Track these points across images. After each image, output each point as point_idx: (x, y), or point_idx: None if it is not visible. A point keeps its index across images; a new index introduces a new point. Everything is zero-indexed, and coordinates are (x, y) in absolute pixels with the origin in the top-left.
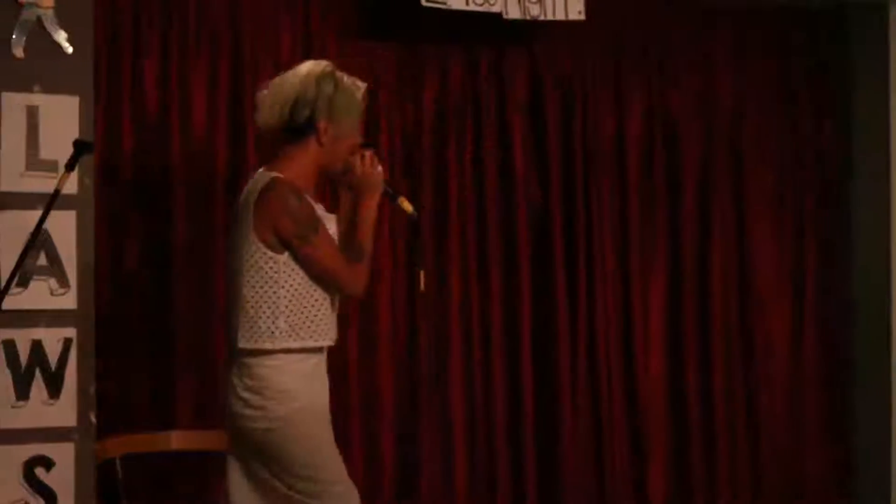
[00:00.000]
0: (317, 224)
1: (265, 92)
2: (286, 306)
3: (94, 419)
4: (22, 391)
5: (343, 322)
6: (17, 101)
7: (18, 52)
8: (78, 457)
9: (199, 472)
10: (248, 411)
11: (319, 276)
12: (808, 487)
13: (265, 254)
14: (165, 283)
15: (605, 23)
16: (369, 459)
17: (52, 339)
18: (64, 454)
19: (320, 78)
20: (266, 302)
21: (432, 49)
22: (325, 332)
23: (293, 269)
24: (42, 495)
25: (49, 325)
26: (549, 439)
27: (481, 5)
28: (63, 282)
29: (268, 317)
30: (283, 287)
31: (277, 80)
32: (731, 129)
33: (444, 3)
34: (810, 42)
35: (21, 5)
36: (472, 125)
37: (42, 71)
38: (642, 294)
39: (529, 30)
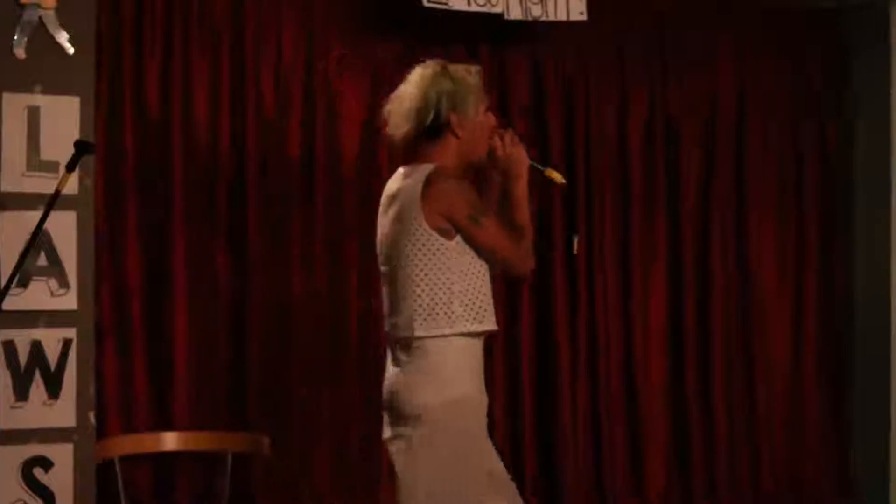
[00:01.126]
0: (481, 208)
1: (388, 107)
2: (460, 290)
3: (93, 420)
4: (21, 392)
5: (343, 323)
6: (18, 102)
7: (20, 52)
8: (77, 457)
9: (196, 473)
10: (416, 397)
11: (490, 257)
12: (807, 489)
13: (437, 240)
14: (166, 283)
15: (607, 23)
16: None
17: (52, 339)
18: (63, 455)
19: (435, 78)
20: (441, 288)
21: (434, 49)
22: (493, 316)
23: (464, 254)
24: (41, 496)
25: (49, 325)
26: (548, 440)
27: (483, 6)
28: (63, 282)
29: (444, 302)
30: (455, 272)
31: (397, 92)
32: (733, 130)
33: (446, 4)
34: (812, 42)
35: (23, 6)
36: None
37: (43, 71)
38: (643, 295)
39: (531, 30)
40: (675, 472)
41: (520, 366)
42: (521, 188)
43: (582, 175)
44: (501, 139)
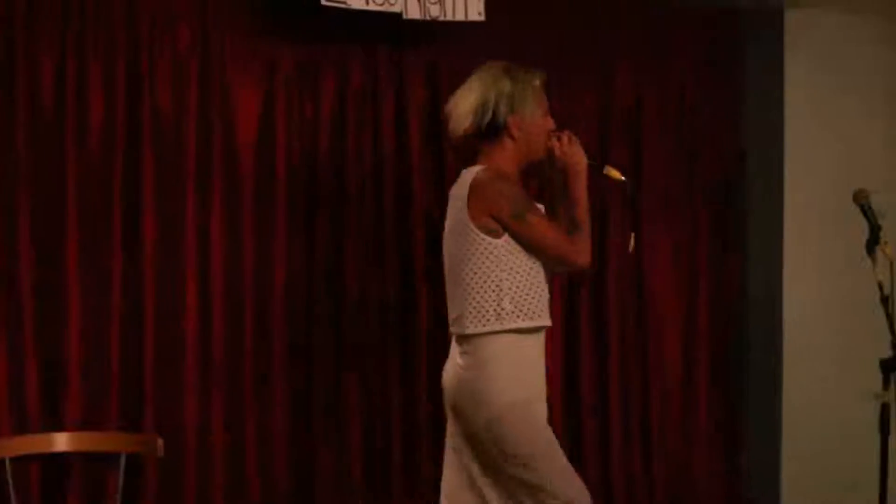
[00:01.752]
0: (529, 203)
1: (448, 107)
2: (509, 287)
3: None
4: None
5: (238, 318)
6: None
7: None
8: None
9: (89, 474)
10: (471, 395)
11: (541, 252)
12: (699, 492)
13: (484, 239)
14: (58, 282)
15: (505, 24)
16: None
17: None
18: None
19: (495, 78)
20: (490, 285)
21: (331, 48)
22: (546, 312)
23: (512, 251)
24: None
25: None
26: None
27: (381, 5)
28: None
29: (493, 299)
30: (504, 269)
31: (458, 91)
32: (628, 130)
33: (344, 3)
34: (707, 44)
35: None
36: (371, 125)
37: None
38: None
39: (429, 30)
40: None
41: (415, 364)
42: (580, 186)
43: None
44: (559, 140)
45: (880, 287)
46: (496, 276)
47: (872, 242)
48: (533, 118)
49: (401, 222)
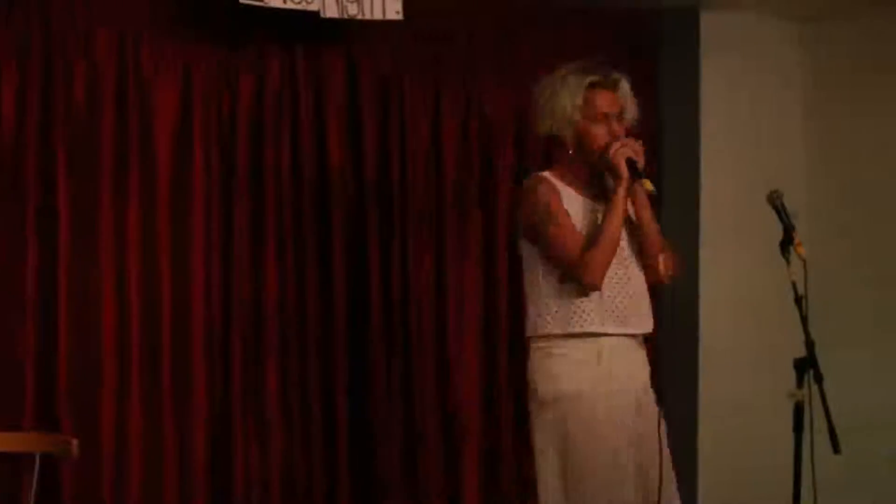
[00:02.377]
0: (552, 214)
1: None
2: (547, 294)
3: None
4: None
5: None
6: None
7: None
8: None
9: (2, 475)
10: (532, 398)
11: (557, 265)
12: None
13: (527, 245)
14: None
15: (423, 23)
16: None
17: None
18: None
19: (544, 87)
20: (533, 291)
21: (250, 48)
22: (594, 319)
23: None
24: None
25: None
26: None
27: (298, 3)
28: None
29: (536, 305)
30: (542, 276)
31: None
32: None
33: (261, 1)
34: (625, 44)
35: None
36: (290, 125)
37: None
38: (457, 297)
39: (348, 29)
40: (489, 472)
41: (334, 362)
42: (616, 196)
43: (396, 175)
44: (614, 146)
45: (794, 287)
46: (537, 282)
47: (786, 242)
48: (571, 122)
49: (320, 221)
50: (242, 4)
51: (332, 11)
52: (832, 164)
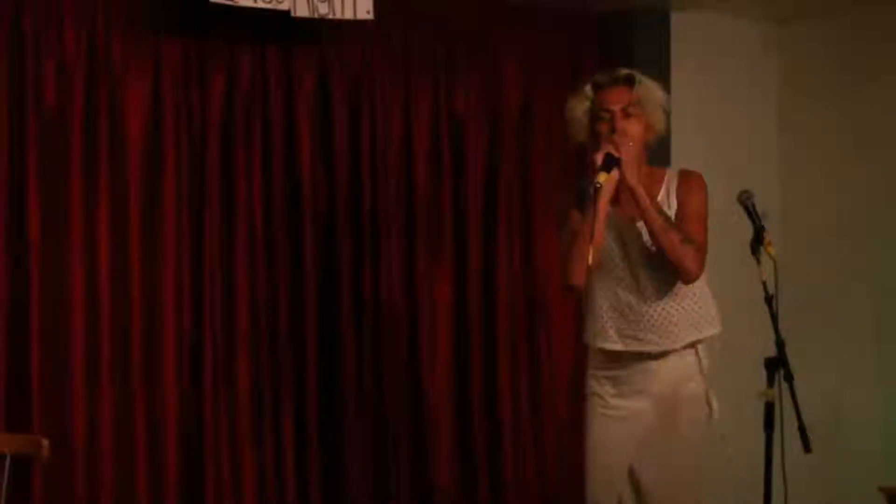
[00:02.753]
0: (564, 216)
1: None
2: (584, 303)
3: None
4: None
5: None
6: None
7: None
8: None
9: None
10: None
11: None
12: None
13: None
14: None
15: (394, 23)
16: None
17: None
18: None
19: (568, 103)
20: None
21: (220, 48)
22: (591, 331)
23: None
24: None
25: None
26: (335, 449)
27: (269, 3)
28: None
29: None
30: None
31: None
32: (517, 130)
33: (232, 1)
34: (597, 44)
35: None
36: (261, 125)
37: None
38: (427, 295)
39: (318, 29)
40: (462, 472)
41: (306, 371)
42: (597, 199)
43: (367, 175)
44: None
45: (765, 286)
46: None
47: (756, 242)
48: (584, 126)
49: (290, 221)
50: (213, 3)
51: (302, 11)
52: (804, 164)
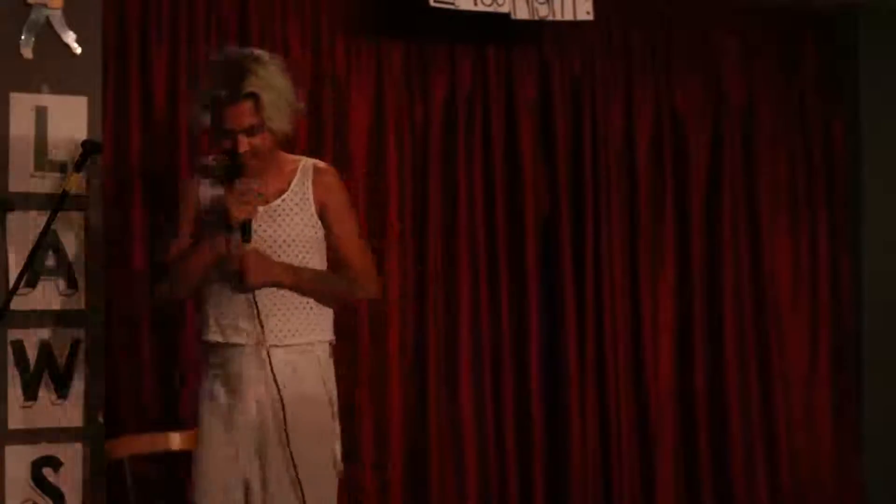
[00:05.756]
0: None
1: None
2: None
3: (101, 420)
4: (30, 392)
5: (353, 330)
6: (25, 102)
7: (27, 52)
8: (86, 457)
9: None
10: None
11: None
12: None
13: None
14: None
15: (614, 23)
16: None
17: (61, 339)
18: (72, 455)
19: (197, 86)
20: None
21: (441, 49)
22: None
23: None
24: (50, 496)
25: (57, 325)
26: (557, 447)
27: (489, 6)
28: (72, 283)
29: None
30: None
31: None
32: (741, 129)
33: (453, 4)
34: (819, 42)
35: (29, 6)
36: (481, 126)
37: (50, 71)
38: (651, 298)
39: (538, 30)
40: (685, 480)
41: (528, 370)
42: (219, 243)
43: (589, 176)
44: (241, 197)
45: None
46: None
47: None
48: (202, 130)
49: (513, 220)
50: (433, 6)
51: (522, 13)
52: None
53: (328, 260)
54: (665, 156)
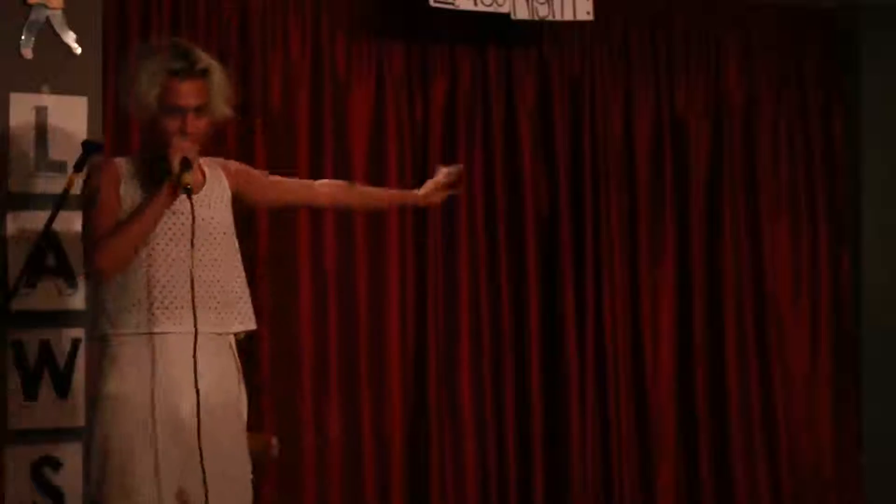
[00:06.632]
0: (95, 199)
1: None
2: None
3: None
4: (30, 392)
5: (353, 330)
6: (26, 102)
7: (27, 52)
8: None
9: None
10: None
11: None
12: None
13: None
14: None
15: (614, 23)
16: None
17: (61, 339)
18: (72, 454)
19: (130, 61)
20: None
21: (441, 49)
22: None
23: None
24: (50, 496)
25: (57, 325)
26: (556, 445)
27: (489, 6)
28: (72, 282)
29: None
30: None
31: None
32: (741, 129)
33: (453, 4)
34: (820, 41)
35: (30, 6)
36: (481, 125)
37: (51, 72)
38: (651, 297)
39: (538, 30)
40: (685, 480)
41: (528, 368)
42: (163, 192)
43: (589, 175)
44: (177, 141)
45: None
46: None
47: None
48: (147, 108)
49: (512, 221)
50: (433, 6)
51: (522, 13)
52: None
53: (301, 198)
54: (665, 156)
